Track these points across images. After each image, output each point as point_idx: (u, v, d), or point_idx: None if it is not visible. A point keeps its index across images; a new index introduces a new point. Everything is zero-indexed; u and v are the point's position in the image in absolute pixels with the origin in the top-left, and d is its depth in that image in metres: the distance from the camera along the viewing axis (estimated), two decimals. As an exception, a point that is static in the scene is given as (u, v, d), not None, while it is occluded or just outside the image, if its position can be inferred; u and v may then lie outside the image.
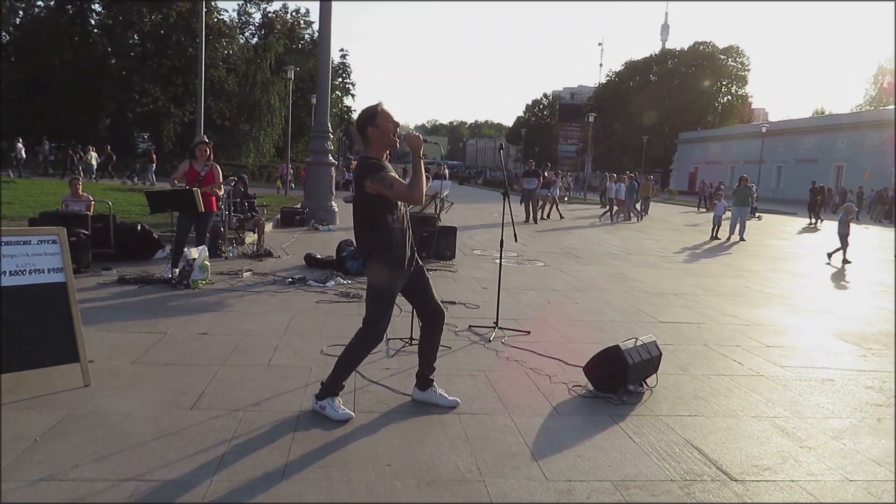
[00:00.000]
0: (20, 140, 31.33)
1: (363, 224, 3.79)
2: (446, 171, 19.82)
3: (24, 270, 4.14)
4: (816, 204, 26.89)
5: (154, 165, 30.40)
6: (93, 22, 43.94)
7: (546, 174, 23.14)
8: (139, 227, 9.57)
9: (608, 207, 24.01)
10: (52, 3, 42.36)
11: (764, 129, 44.69)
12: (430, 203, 7.11)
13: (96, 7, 43.44)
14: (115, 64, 42.14)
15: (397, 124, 3.80)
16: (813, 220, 26.85)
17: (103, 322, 5.72)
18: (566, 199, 32.37)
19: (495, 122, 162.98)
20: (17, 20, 43.02)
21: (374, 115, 3.77)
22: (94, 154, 30.09)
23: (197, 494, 2.89)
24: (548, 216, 21.88)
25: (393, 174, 3.71)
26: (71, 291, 4.28)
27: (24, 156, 30.35)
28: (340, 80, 53.19)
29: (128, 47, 42.90)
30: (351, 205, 4.09)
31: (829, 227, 26.05)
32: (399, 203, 3.78)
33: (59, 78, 39.68)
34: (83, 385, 4.13)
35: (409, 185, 3.68)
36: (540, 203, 21.18)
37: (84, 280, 7.37)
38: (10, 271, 4.08)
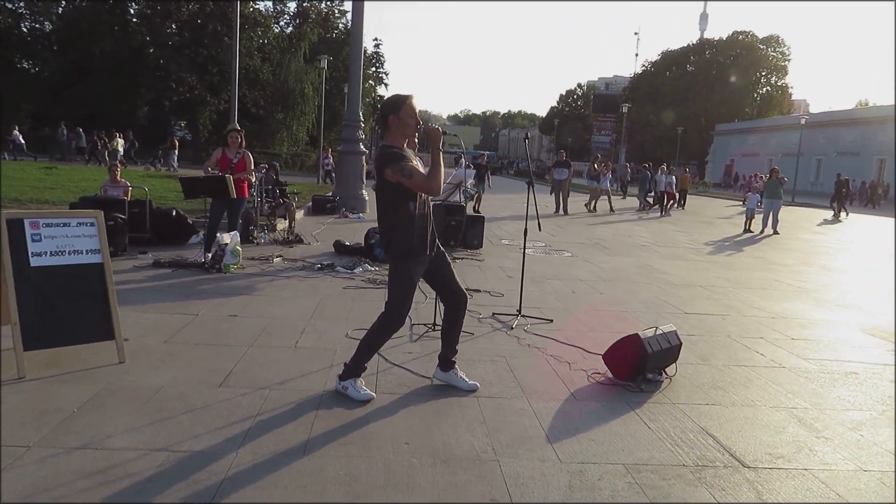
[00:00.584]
0: (63, 126, 32.15)
1: (385, 211, 3.89)
2: (464, 161, 19.79)
3: (64, 251, 4.33)
4: (841, 196, 27.11)
5: (176, 152, 30.93)
6: (132, 12, 44.72)
7: (596, 166, 22.84)
8: (174, 213, 9.83)
9: (655, 201, 23.35)
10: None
11: (803, 121, 43.69)
12: (455, 191, 7.18)
13: (135, -4, 44.25)
14: (153, 53, 42.88)
15: (419, 122, 3.88)
16: (837, 213, 27.03)
17: (138, 303, 5.93)
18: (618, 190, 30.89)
19: (528, 112, 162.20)
20: (60, 10, 43.99)
21: (400, 106, 3.84)
22: (120, 140, 30.69)
23: (223, 465, 3.02)
24: (594, 209, 21.38)
25: (413, 164, 3.79)
26: (107, 272, 4.46)
27: (63, 139, 31.10)
28: (374, 69, 53.39)
29: (165, 37, 43.58)
30: None
31: (857, 220, 26.17)
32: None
33: (99, 67, 40.53)
34: (118, 362, 4.31)
35: (427, 176, 3.75)
36: (590, 195, 21.25)
37: (121, 263, 7.62)
38: (51, 251, 4.27)
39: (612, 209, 21.88)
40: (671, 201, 22.92)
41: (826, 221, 24.80)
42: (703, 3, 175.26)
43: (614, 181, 32.35)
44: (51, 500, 2.66)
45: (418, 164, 3.86)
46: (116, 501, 2.68)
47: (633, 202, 26.29)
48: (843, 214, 26.91)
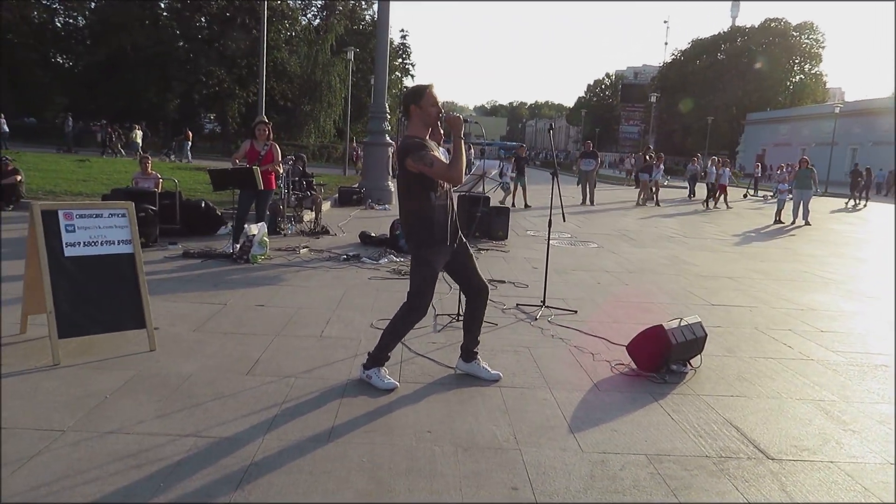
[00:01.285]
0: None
1: (406, 201, 3.92)
2: (473, 150, 19.22)
3: (97, 241, 4.44)
4: (858, 185, 27.99)
5: (190, 143, 31.30)
6: (162, 6, 45.27)
7: (647, 157, 22.31)
8: (203, 205, 9.98)
9: (708, 193, 22.20)
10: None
11: (837, 110, 42.73)
12: (478, 182, 7.18)
13: (166, -10, 44.79)
14: (183, 47, 43.39)
15: (441, 110, 3.89)
16: (854, 202, 27.95)
17: (168, 292, 6.06)
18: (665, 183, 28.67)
19: (555, 102, 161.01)
20: (93, 5, 44.72)
21: (421, 94, 3.87)
22: (139, 132, 31.12)
23: (249, 451, 3.09)
24: (644, 202, 20.96)
25: (435, 153, 3.81)
26: (138, 262, 4.57)
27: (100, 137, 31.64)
28: (400, 60, 53.43)
29: (195, 30, 44.07)
30: None
31: (875, 208, 26.16)
32: (441, 181, 3.88)
33: (131, 61, 41.13)
34: (149, 349, 4.42)
35: (448, 165, 3.77)
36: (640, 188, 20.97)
37: (152, 253, 7.77)
38: (84, 242, 4.39)
39: (657, 203, 21.19)
40: (722, 195, 21.59)
41: (840, 210, 24.85)
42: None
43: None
44: (84, 482, 2.74)
45: (440, 155, 3.88)
46: (147, 485, 2.76)
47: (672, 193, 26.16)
48: (861, 203, 27.58)
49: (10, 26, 40.67)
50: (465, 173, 4.52)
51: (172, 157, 30.89)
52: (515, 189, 17.48)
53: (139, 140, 30.57)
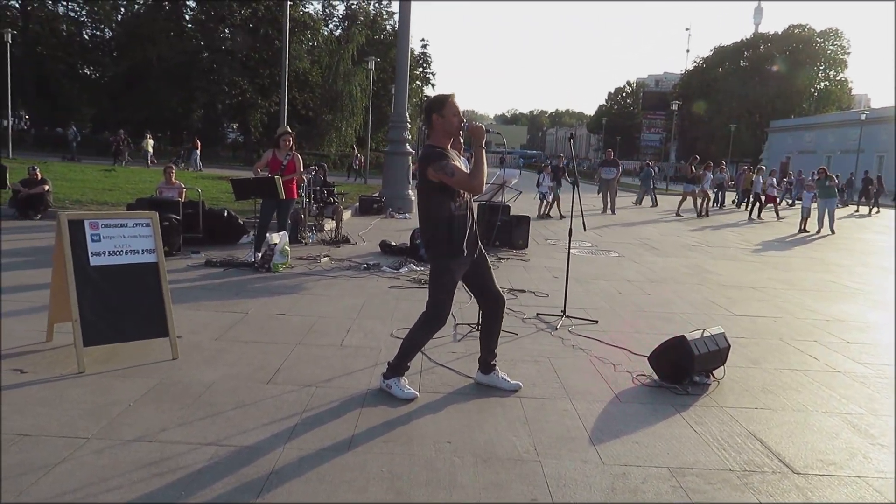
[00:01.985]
0: (122, 131, 33.18)
1: (426, 211, 3.93)
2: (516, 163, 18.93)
3: (121, 251, 4.51)
4: (869, 193, 28.36)
5: (198, 152, 31.64)
6: (187, 17, 46.01)
7: (693, 168, 21.32)
8: (226, 214, 10.09)
9: (753, 203, 21.34)
10: (150, 0, 44.64)
11: (863, 117, 42.20)
12: (498, 191, 7.18)
13: (191, 3, 45.50)
14: (207, 57, 44.00)
15: (462, 120, 3.90)
16: (869, 208, 28.60)
17: (191, 301, 6.12)
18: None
19: (576, 111, 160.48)
20: (119, 17, 45.58)
21: (443, 104, 3.88)
22: (150, 141, 31.56)
23: (270, 460, 3.11)
24: (706, 212, 20.33)
25: (456, 163, 3.82)
26: (162, 271, 4.62)
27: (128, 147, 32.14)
28: (421, 69, 53.65)
29: (218, 41, 44.69)
30: None
31: (888, 215, 26.25)
32: (461, 190, 3.89)
33: (155, 72, 41.81)
34: (171, 358, 4.46)
35: (470, 175, 3.76)
36: (686, 198, 20.44)
37: (175, 262, 7.86)
38: (109, 251, 4.45)
39: (703, 213, 20.30)
40: (770, 203, 20.59)
41: (848, 216, 25.00)
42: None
43: (659, 179, 31.36)
44: (107, 490, 2.77)
45: (461, 164, 3.89)
46: (169, 493, 2.78)
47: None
48: (871, 210, 28.12)
49: (39, 38, 41.58)
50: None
51: (182, 165, 31.27)
52: (555, 199, 17.13)
53: (149, 149, 31.07)
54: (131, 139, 32.72)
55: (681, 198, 21.84)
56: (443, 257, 3.89)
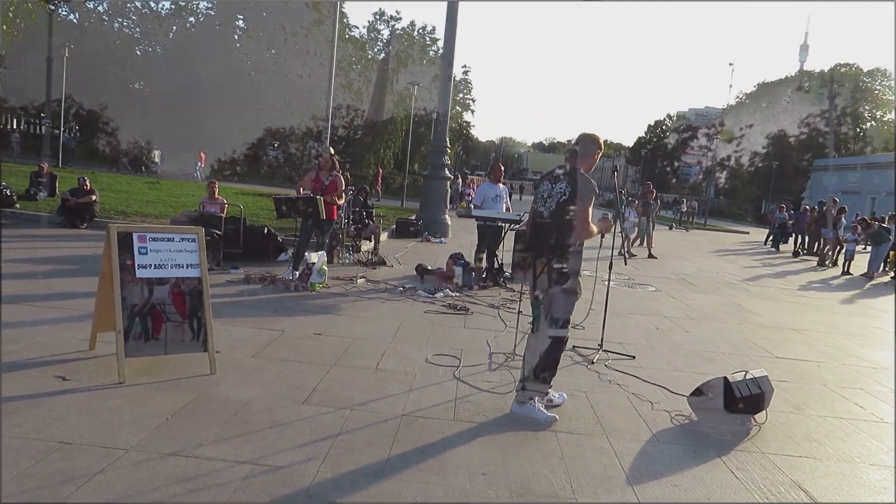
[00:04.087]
0: (156, 148, 34.22)
1: (568, 234, 4.19)
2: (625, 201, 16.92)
3: (167, 264, 4.59)
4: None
5: (201, 164, 32.23)
6: (235, 37, 47.18)
7: (821, 210, 19.43)
8: (266, 231, 10.22)
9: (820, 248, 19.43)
10: (202, 19, 45.95)
11: (911, 159, 41.14)
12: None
13: (240, 23, 46.69)
14: (254, 77, 44.98)
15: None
16: None
17: (228, 316, 6.18)
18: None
19: (615, 141, 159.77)
20: (171, 35, 46.98)
21: (601, 147, 4.42)
22: (157, 152, 32.37)
23: (303, 482, 3.10)
24: (828, 263, 18.50)
25: None
26: (205, 287, 4.69)
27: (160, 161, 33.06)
28: (461, 95, 54.12)
29: (265, 61, 45.68)
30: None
31: None
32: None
33: (203, 89, 42.82)
34: (209, 373, 4.50)
35: (588, 226, 4.19)
36: (826, 248, 18.67)
37: (214, 277, 7.96)
38: (155, 264, 4.53)
39: (830, 264, 18.42)
40: (840, 248, 18.56)
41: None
42: (804, 34, 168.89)
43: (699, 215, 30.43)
44: (143, 503, 2.79)
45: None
46: (204, 509, 2.79)
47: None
48: None
49: (95, 53, 43.01)
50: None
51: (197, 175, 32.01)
52: (638, 236, 16.27)
53: (158, 160, 31.89)
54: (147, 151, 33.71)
55: (824, 245, 19.27)
56: (576, 278, 4.21)
